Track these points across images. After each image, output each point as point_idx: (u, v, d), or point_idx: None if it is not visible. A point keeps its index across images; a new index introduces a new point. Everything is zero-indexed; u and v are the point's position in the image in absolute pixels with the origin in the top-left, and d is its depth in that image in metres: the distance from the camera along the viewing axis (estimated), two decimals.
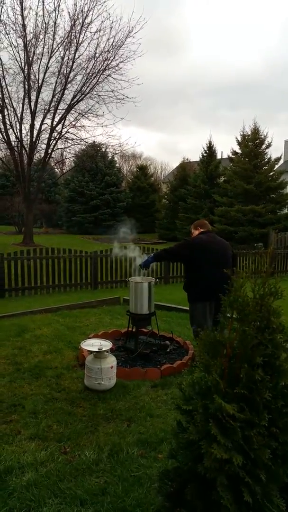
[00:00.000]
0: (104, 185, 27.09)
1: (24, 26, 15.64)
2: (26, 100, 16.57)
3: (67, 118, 17.27)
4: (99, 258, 9.37)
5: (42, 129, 17.23)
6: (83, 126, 17.51)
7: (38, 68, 16.38)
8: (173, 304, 6.93)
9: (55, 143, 17.64)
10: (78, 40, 16.29)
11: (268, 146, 19.77)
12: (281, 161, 21.55)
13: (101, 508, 2.11)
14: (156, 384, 3.73)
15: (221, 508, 1.46)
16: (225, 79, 76.54)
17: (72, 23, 15.96)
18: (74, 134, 17.54)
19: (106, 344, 3.73)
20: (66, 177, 28.80)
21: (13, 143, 16.90)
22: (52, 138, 17.34)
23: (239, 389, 1.53)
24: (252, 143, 19.77)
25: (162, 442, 2.74)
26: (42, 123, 17.13)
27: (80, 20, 16.02)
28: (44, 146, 17.54)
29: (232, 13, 77.23)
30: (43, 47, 16.16)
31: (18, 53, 15.99)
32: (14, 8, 17.04)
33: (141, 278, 4.75)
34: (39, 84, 16.49)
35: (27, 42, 15.83)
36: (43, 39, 16.01)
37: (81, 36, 16.25)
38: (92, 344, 3.70)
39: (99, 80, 16.77)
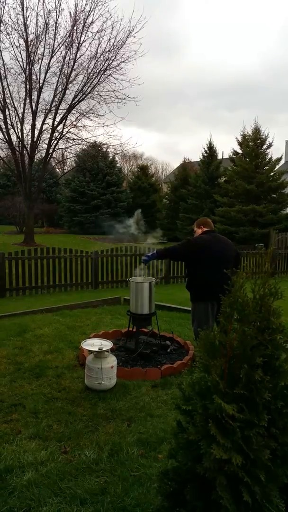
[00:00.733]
0: (105, 185, 27.14)
1: (25, 26, 15.68)
2: (28, 100, 16.58)
3: (68, 118, 17.31)
4: (100, 258, 9.38)
5: (43, 129, 17.26)
6: (84, 126, 17.53)
7: (39, 68, 16.42)
8: (174, 305, 6.94)
9: (56, 143, 17.67)
10: (80, 40, 16.33)
11: (269, 146, 19.75)
12: (282, 161, 21.55)
13: (101, 508, 2.12)
14: (157, 384, 3.73)
15: (220, 508, 1.47)
16: (224, 80, 76.66)
17: (74, 22, 16.00)
18: (75, 134, 17.56)
19: (107, 344, 3.74)
20: (67, 177, 28.82)
21: (14, 143, 16.92)
22: (53, 138, 17.36)
23: (238, 390, 1.53)
24: (253, 143, 19.75)
25: (162, 442, 2.74)
26: (43, 123, 17.14)
27: (82, 20, 16.07)
28: (45, 146, 17.58)
29: (232, 13, 77.30)
30: (44, 47, 16.22)
31: (20, 53, 16.06)
32: (15, 8, 17.07)
33: (142, 278, 4.74)
34: (40, 84, 16.52)
35: (29, 42, 15.86)
36: (44, 39, 16.05)
37: (83, 36, 16.30)
38: (92, 344, 3.71)
39: (100, 80, 16.80)
